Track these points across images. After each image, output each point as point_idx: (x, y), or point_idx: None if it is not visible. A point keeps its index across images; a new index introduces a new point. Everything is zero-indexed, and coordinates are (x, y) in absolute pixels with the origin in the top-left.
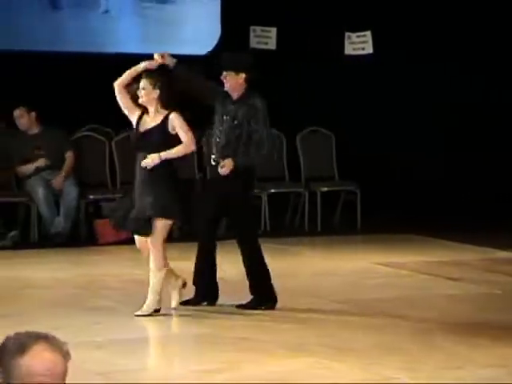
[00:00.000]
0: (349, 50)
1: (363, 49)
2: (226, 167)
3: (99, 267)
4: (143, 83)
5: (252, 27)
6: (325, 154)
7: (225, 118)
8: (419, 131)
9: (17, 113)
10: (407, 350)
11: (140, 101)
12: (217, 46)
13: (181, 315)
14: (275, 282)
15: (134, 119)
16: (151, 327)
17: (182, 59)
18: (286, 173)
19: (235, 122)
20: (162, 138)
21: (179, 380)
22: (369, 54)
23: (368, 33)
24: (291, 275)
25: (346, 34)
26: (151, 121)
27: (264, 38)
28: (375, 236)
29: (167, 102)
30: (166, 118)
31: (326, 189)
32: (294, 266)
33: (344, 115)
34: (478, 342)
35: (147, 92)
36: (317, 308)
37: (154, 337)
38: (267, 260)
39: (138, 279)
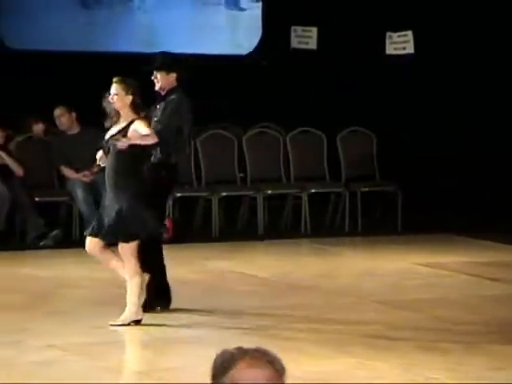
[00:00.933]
0: (390, 49)
1: (404, 48)
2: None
3: None
4: (115, 88)
5: (293, 27)
6: (365, 153)
7: (155, 118)
8: (460, 131)
9: (57, 112)
10: (448, 350)
11: (114, 106)
12: (258, 46)
13: (220, 315)
14: (316, 282)
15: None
16: (192, 327)
17: (224, 59)
18: (326, 172)
19: (155, 119)
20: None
21: None
22: (410, 54)
23: (409, 32)
24: (332, 275)
25: (387, 33)
26: (116, 126)
27: (305, 37)
28: (416, 236)
29: (139, 108)
30: (129, 124)
31: (366, 189)
32: (334, 266)
33: (385, 115)
34: None
35: (120, 98)
36: (357, 308)
37: (194, 336)
38: (310, 259)
39: (179, 278)
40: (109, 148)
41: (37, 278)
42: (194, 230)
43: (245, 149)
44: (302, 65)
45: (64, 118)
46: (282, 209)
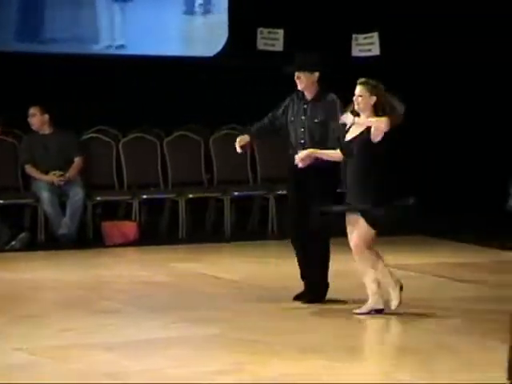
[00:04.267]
0: (355, 51)
1: (370, 50)
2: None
3: (106, 269)
4: (359, 90)
5: (259, 29)
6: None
7: (303, 117)
8: (420, 132)
9: (30, 111)
10: (420, 351)
11: (356, 107)
12: (224, 47)
13: (188, 317)
14: (284, 283)
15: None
16: (160, 328)
17: (190, 61)
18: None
19: (316, 121)
20: (362, 145)
21: (186, 381)
22: (375, 56)
23: (375, 34)
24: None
25: (353, 35)
26: (357, 128)
27: (271, 39)
28: (385, 238)
29: (381, 109)
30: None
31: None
32: None
33: None
34: (489, 344)
35: (364, 99)
36: (326, 310)
37: (162, 338)
38: (277, 261)
39: (146, 281)
40: (352, 149)
41: (4, 280)
42: (161, 232)
43: (212, 150)
44: (268, 66)
45: (34, 118)
46: (249, 210)
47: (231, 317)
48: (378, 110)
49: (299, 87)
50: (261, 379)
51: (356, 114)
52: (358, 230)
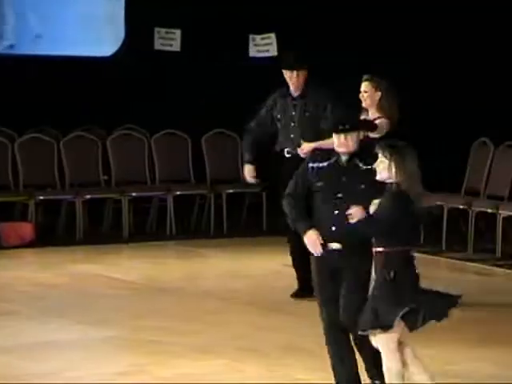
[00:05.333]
0: (253, 51)
1: (267, 51)
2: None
3: (2, 270)
4: (365, 86)
5: (156, 29)
6: (229, 155)
7: (293, 113)
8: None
9: None
10: (314, 351)
11: (363, 104)
12: (121, 47)
13: (87, 319)
14: (182, 284)
15: None
16: (58, 331)
17: (86, 60)
18: (191, 174)
19: (306, 114)
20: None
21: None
22: (273, 56)
23: (272, 35)
24: (198, 277)
25: (250, 36)
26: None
27: (168, 39)
28: (282, 238)
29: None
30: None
31: (231, 190)
32: (200, 268)
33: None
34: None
35: (370, 94)
36: (224, 310)
37: (60, 340)
38: (176, 262)
39: (43, 283)
40: None
41: None
42: (58, 233)
43: (109, 151)
44: (165, 66)
45: None
46: (148, 211)
47: (129, 318)
48: (382, 106)
49: (295, 85)
50: (161, 380)
51: (365, 110)
52: None
